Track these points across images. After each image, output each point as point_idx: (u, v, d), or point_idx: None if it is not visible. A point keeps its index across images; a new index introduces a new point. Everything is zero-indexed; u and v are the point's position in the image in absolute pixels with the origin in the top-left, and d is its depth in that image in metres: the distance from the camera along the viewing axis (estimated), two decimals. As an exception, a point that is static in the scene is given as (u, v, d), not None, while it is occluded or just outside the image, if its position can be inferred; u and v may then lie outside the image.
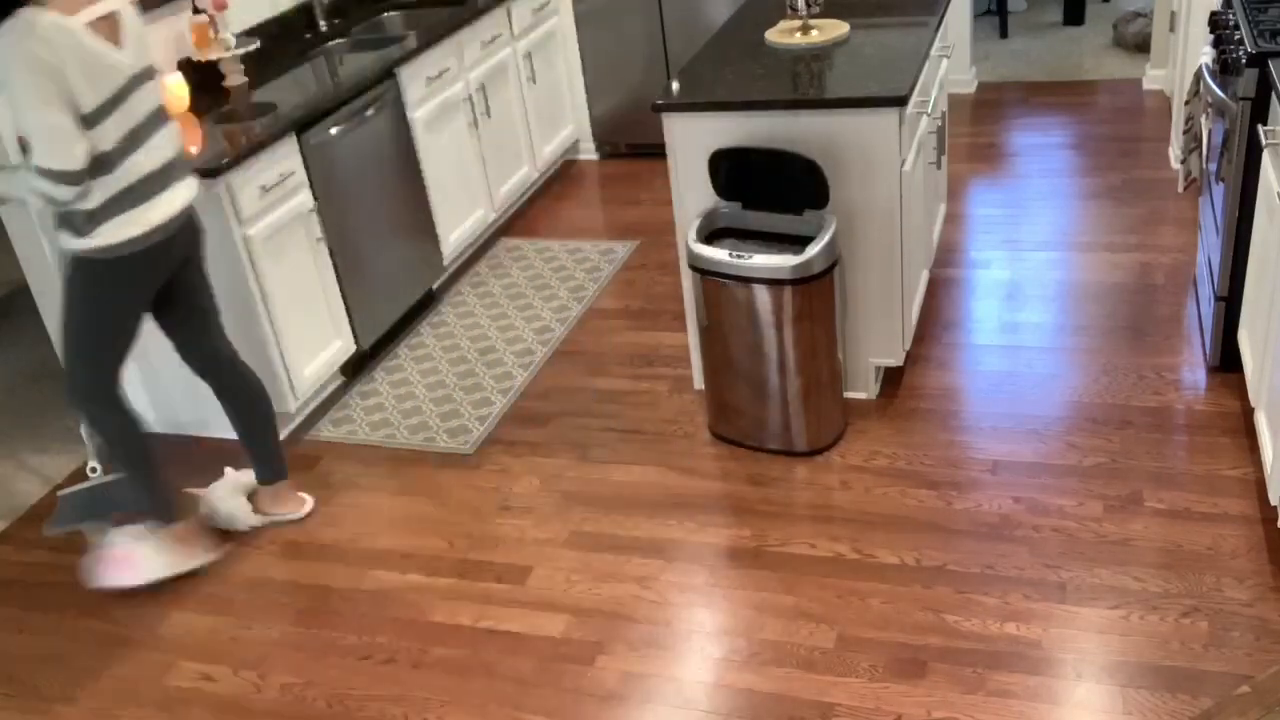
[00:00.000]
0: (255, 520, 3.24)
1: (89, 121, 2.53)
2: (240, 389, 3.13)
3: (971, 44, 5.78)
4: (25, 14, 2.43)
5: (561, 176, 5.44)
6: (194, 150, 3.39)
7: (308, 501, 3.31)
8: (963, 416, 3.34)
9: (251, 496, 3.28)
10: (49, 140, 2.49)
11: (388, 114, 3.98)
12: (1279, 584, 2.62)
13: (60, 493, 3.22)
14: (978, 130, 5.35)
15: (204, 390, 3.65)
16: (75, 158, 2.52)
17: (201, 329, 3.04)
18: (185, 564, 3.08)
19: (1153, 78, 5.54)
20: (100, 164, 2.59)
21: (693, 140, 3.25)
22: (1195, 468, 3.01)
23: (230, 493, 3.25)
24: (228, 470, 3.34)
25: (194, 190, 2.86)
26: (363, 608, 2.93)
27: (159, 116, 2.74)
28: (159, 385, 3.71)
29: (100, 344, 2.82)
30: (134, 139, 2.65)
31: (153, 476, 3.01)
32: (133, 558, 3.04)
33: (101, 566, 3.06)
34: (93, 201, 2.62)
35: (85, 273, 2.72)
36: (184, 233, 2.83)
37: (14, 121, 2.56)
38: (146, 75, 2.69)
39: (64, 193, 2.55)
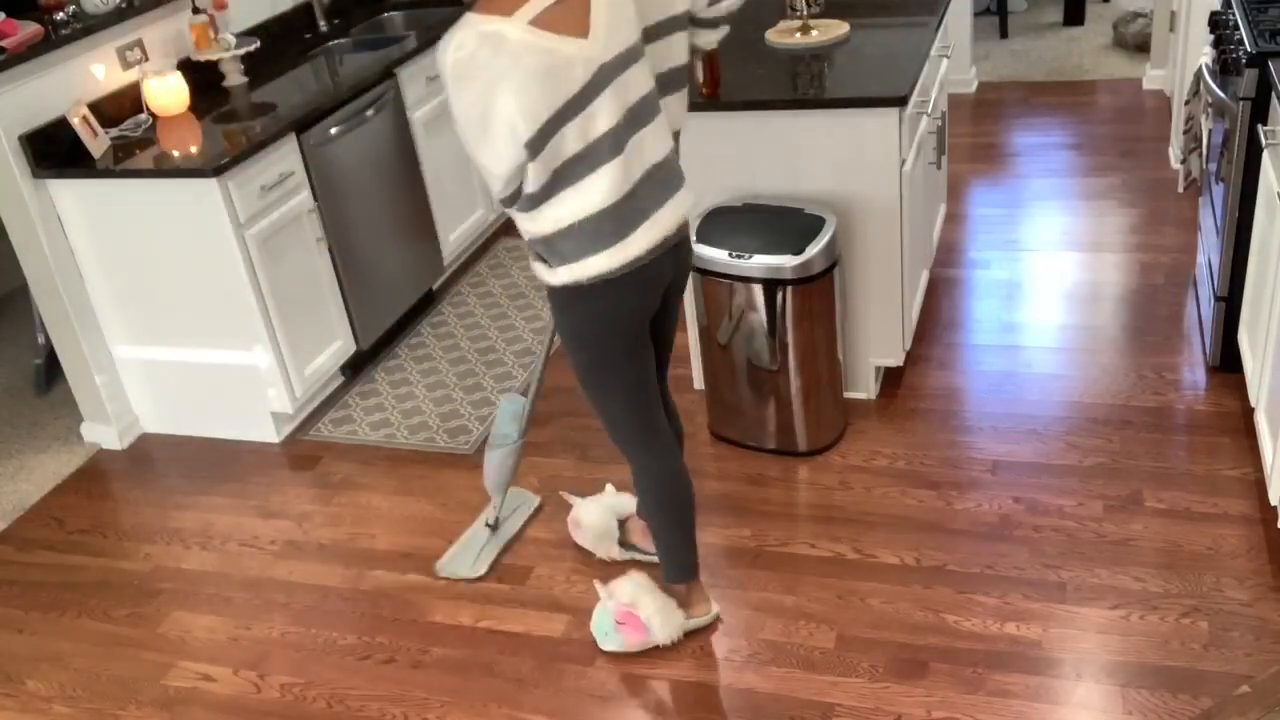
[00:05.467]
0: (618, 553, 2.94)
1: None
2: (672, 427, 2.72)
3: (971, 44, 5.77)
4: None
5: (561, 176, 5.43)
6: (193, 150, 3.39)
7: None
8: (963, 416, 3.34)
9: (622, 525, 2.98)
10: None
11: (388, 114, 3.98)
12: (1279, 584, 2.62)
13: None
14: (978, 130, 5.35)
15: (202, 391, 3.66)
16: None
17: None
18: (689, 624, 2.71)
19: (1153, 78, 5.53)
20: None
21: (693, 140, 3.25)
22: (1195, 468, 3.01)
23: (603, 512, 2.97)
24: (609, 487, 3.09)
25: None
26: (363, 608, 2.93)
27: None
28: (159, 385, 3.71)
29: None
30: None
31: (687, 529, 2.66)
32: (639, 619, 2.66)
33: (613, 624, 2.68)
34: None
35: None
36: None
37: None
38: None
39: None
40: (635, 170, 2.20)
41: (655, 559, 2.79)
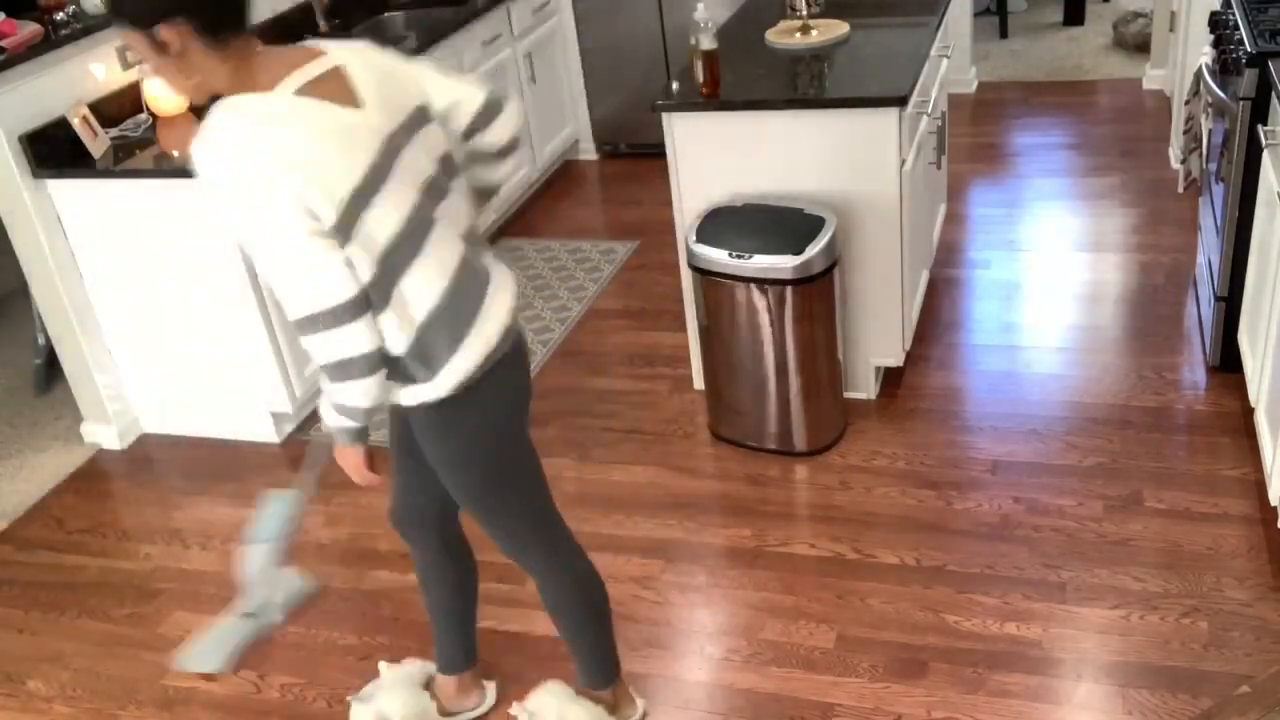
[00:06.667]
0: None
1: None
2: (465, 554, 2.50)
3: (971, 44, 5.78)
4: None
5: (561, 176, 5.44)
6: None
7: (490, 690, 2.65)
8: (963, 416, 3.34)
9: (429, 693, 2.59)
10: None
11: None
12: (1279, 584, 2.62)
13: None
14: (978, 130, 5.35)
15: (202, 391, 3.66)
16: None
17: None
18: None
19: (1153, 78, 5.54)
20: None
21: (693, 140, 3.25)
22: (1195, 468, 3.01)
23: (408, 695, 2.53)
24: (381, 665, 2.60)
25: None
26: (363, 607, 2.92)
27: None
28: (159, 385, 3.71)
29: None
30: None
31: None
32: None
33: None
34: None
35: None
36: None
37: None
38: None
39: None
40: (454, 241, 1.95)
41: (479, 713, 2.58)
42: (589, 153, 5.62)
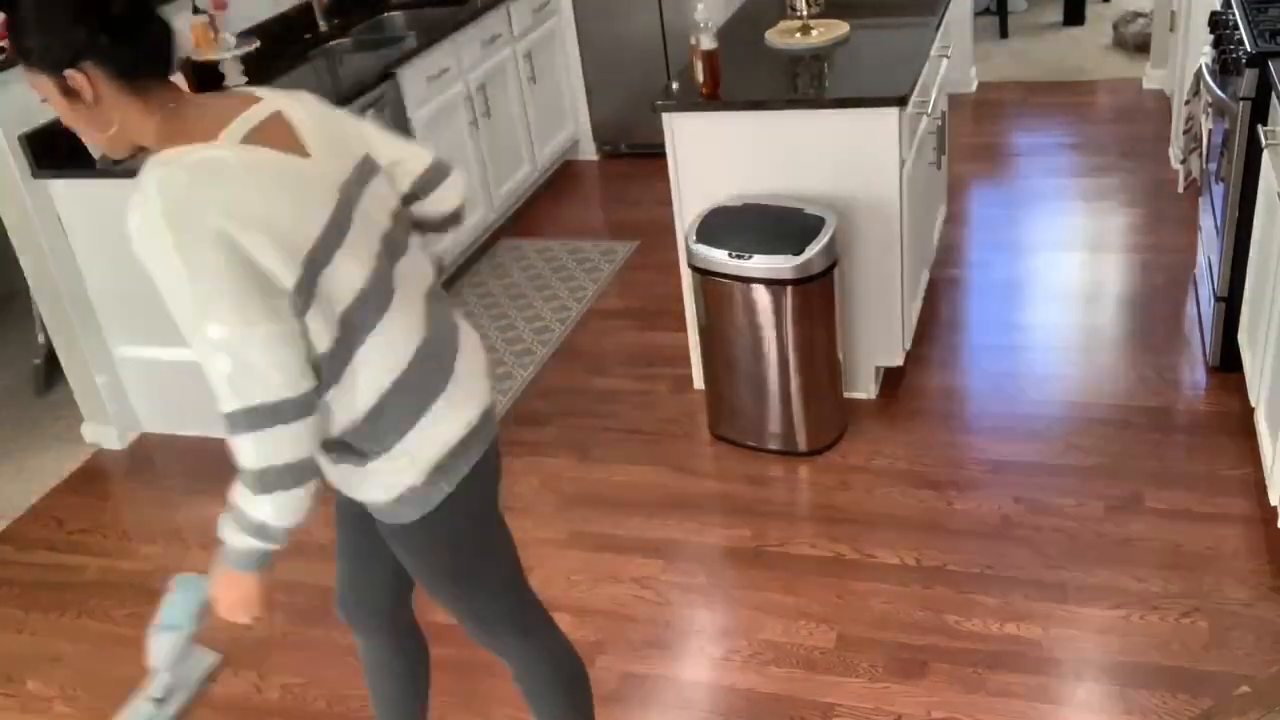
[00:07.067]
0: None
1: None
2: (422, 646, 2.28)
3: (972, 44, 5.77)
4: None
5: (561, 176, 5.44)
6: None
7: None
8: (963, 416, 3.34)
9: None
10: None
11: (388, 114, 3.97)
12: (1279, 584, 2.62)
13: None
14: (978, 130, 5.35)
15: (202, 391, 3.65)
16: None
17: None
18: None
19: (1153, 78, 5.53)
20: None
21: (693, 140, 3.25)
22: (1195, 468, 3.01)
23: None
24: None
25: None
26: (363, 608, 2.92)
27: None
28: (159, 385, 3.71)
29: None
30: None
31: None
32: None
33: None
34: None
35: None
36: None
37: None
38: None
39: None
40: (416, 301, 1.75)
41: None
42: (589, 153, 5.62)
